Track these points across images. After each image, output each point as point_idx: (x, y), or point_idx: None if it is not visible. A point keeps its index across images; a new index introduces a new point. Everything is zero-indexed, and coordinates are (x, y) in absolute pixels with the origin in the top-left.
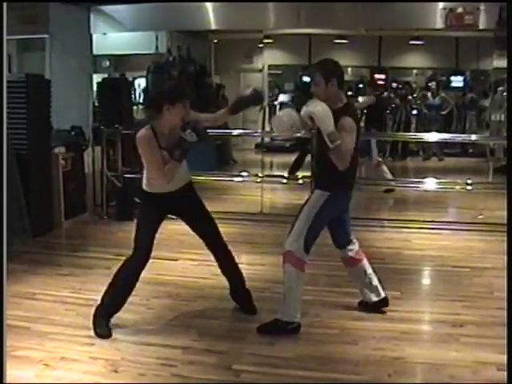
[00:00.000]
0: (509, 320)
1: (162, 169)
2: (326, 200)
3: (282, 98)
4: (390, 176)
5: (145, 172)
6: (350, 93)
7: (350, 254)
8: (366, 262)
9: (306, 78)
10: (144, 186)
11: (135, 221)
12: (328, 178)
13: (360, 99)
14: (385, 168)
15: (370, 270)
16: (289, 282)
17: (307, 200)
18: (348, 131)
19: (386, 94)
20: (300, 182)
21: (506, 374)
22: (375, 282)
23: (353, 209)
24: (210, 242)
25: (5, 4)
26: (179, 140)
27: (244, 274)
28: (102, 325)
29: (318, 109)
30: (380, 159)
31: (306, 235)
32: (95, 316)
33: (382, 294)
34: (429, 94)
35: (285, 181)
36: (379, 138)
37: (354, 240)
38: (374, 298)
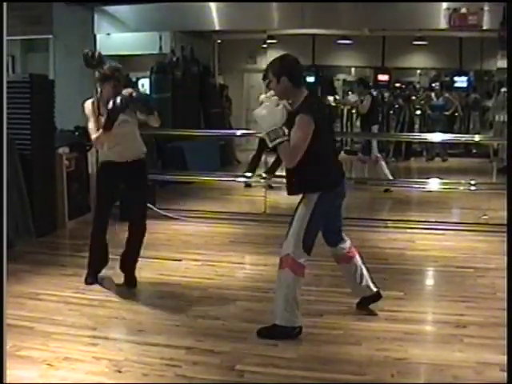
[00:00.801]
0: (509, 320)
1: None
2: (317, 201)
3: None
4: (389, 175)
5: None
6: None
7: (343, 251)
8: (358, 259)
9: (310, 79)
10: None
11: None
12: (312, 178)
13: (349, 97)
14: (384, 166)
15: (362, 266)
16: (286, 287)
17: (299, 203)
18: (299, 128)
19: (375, 93)
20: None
21: (506, 374)
22: (367, 277)
23: (356, 209)
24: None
25: (5, 4)
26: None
27: (247, 275)
28: (91, 275)
29: (257, 111)
30: (379, 155)
31: (304, 238)
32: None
33: (374, 289)
34: (432, 94)
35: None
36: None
37: (346, 237)
38: (367, 293)
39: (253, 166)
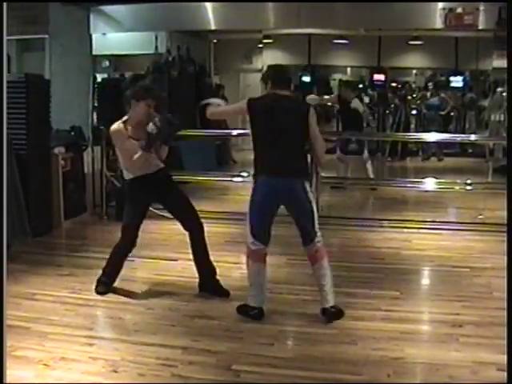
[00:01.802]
0: (509, 320)
1: (132, 157)
2: (254, 186)
3: None
4: (371, 175)
5: (121, 162)
6: None
7: (309, 252)
8: (323, 264)
9: (306, 78)
10: (126, 176)
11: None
12: (254, 162)
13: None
14: (370, 166)
15: (323, 275)
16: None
17: None
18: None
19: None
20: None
21: (505, 374)
22: (326, 287)
23: (352, 209)
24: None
25: (5, 4)
26: (145, 133)
27: (243, 275)
28: (105, 284)
29: None
30: (366, 156)
31: (249, 221)
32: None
33: (326, 305)
34: (428, 94)
35: None
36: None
37: (318, 239)
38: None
39: None
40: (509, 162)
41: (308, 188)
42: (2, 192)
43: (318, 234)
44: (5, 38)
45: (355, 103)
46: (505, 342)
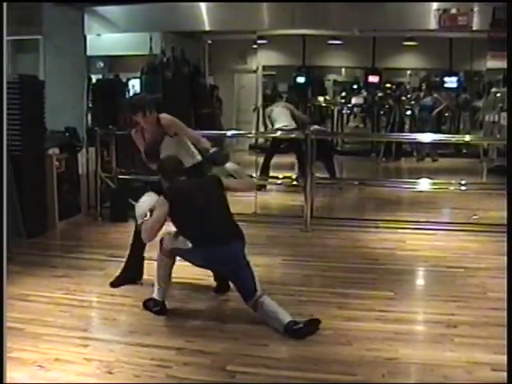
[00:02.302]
0: (509, 320)
1: None
2: None
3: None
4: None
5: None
6: (343, 93)
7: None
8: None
9: (301, 79)
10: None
11: None
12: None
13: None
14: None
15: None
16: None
17: None
18: None
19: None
20: (294, 182)
21: (501, 374)
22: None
23: (347, 209)
24: None
25: (5, 4)
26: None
27: None
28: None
29: None
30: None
31: None
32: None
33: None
34: (422, 94)
35: (279, 182)
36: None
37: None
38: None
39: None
40: (509, 161)
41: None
42: (2, 192)
43: (259, 290)
44: (5, 38)
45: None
46: (504, 342)
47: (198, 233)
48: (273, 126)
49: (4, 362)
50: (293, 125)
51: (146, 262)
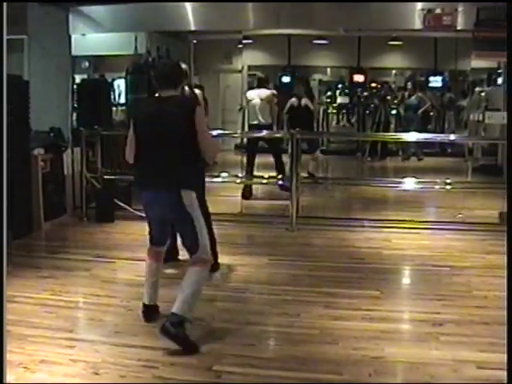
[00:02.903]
0: (509, 320)
1: None
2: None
3: None
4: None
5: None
6: (329, 93)
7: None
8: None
9: (286, 79)
10: None
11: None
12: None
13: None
14: (314, 164)
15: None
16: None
17: None
18: None
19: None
20: (280, 182)
21: (487, 372)
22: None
23: (333, 208)
24: None
25: (5, 4)
26: None
27: (234, 275)
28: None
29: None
30: (319, 155)
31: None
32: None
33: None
34: (406, 93)
35: (264, 181)
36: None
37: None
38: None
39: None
40: (508, 161)
41: (186, 199)
42: (2, 192)
43: (202, 250)
44: (5, 37)
45: (305, 101)
46: (489, 340)
47: (139, 169)
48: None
49: (4, 363)
50: (268, 121)
51: (129, 261)
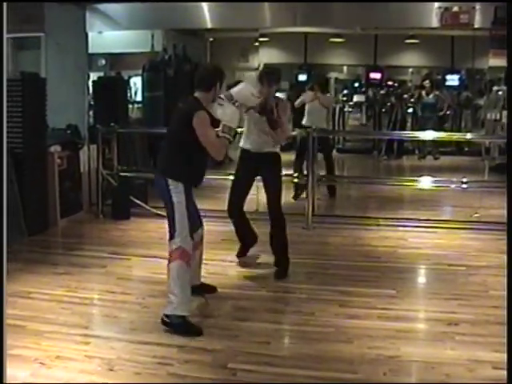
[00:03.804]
0: (509, 319)
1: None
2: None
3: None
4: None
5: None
6: (345, 91)
7: (198, 238)
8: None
9: (302, 77)
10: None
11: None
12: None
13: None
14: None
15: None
16: (180, 278)
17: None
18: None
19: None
20: (295, 180)
21: (502, 372)
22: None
23: (349, 207)
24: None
25: (5, 4)
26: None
27: (239, 273)
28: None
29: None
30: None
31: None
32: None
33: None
34: (424, 92)
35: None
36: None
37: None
38: (198, 282)
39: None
40: (509, 160)
41: (173, 187)
42: (2, 192)
43: (176, 237)
44: (5, 37)
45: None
46: (504, 340)
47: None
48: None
49: (4, 363)
50: (324, 126)
51: (145, 259)
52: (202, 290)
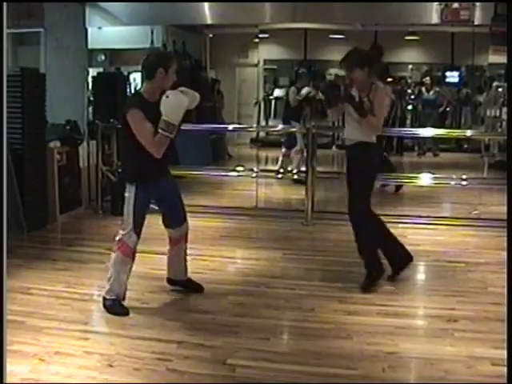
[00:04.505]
0: (509, 316)
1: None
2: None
3: (277, 92)
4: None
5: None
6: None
7: (178, 234)
8: (185, 245)
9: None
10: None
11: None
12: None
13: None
14: (300, 159)
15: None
16: (114, 267)
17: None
18: None
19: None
20: (295, 177)
21: (501, 368)
22: (186, 263)
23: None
24: None
25: (5, 4)
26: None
27: (239, 269)
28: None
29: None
30: (303, 149)
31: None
32: None
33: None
34: (423, 88)
35: (280, 176)
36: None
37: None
38: (183, 277)
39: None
40: (508, 158)
41: (127, 189)
42: (2, 191)
43: (122, 230)
44: (5, 37)
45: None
46: (503, 336)
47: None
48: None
49: (4, 362)
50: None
51: (144, 254)
52: (188, 285)
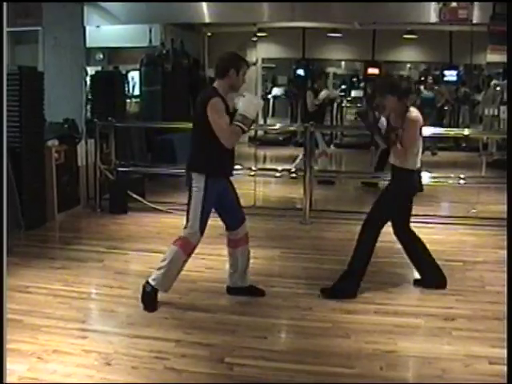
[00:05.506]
0: (509, 315)
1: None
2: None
3: (276, 91)
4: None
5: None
6: (343, 86)
7: (238, 236)
8: (247, 247)
9: (300, 72)
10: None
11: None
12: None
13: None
14: (325, 160)
15: (248, 256)
16: (171, 261)
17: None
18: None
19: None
20: (293, 175)
21: (499, 367)
22: (247, 269)
23: (346, 202)
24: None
25: (5, 4)
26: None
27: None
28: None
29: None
30: (326, 150)
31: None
32: None
33: (248, 283)
34: (422, 87)
35: (278, 174)
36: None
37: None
38: (240, 284)
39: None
40: (508, 157)
41: (195, 181)
42: (2, 191)
43: (187, 227)
44: (5, 37)
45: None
46: (501, 335)
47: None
48: None
49: (4, 362)
50: None
51: (142, 253)
52: (250, 292)
